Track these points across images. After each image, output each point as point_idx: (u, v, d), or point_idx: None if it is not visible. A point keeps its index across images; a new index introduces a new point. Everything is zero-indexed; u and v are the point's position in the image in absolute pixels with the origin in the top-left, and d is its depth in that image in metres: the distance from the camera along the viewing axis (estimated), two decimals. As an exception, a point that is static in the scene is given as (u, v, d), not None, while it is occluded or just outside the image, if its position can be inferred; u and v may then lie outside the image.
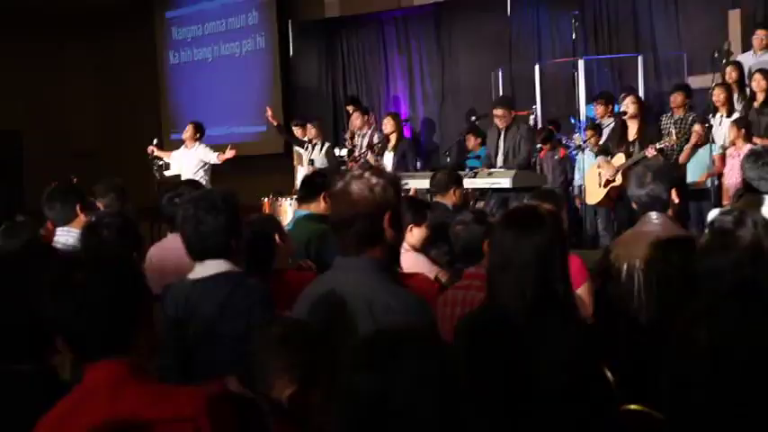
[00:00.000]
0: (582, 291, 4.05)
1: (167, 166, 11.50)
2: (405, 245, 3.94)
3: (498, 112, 8.96)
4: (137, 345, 2.09)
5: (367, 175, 2.65)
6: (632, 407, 3.01)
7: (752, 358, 2.41)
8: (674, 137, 8.36)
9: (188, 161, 11.06)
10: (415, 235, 4.49)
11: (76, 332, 2.04)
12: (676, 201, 3.80)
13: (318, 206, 5.06)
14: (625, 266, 3.64)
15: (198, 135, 11.15)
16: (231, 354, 2.70)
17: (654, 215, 3.76)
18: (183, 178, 10.87)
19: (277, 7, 15.22)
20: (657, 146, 8.19)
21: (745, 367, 2.41)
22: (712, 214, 5.19)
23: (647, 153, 8.19)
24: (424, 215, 4.59)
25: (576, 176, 10.23)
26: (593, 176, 8.83)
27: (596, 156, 8.95)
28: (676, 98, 9.44)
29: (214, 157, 10.96)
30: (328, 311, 2.60)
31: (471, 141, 11.24)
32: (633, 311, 3.56)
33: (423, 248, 4.59)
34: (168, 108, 17.04)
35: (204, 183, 10.75)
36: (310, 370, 2.48)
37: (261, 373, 2.50)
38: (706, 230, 2.85)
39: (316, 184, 5.21)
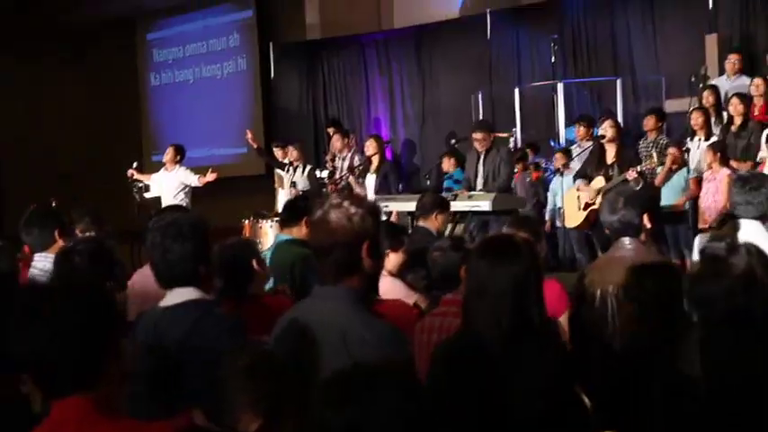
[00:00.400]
0: (564, 319, 4.06)
1: (147, 188, 11.48)
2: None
3: (478, 135, 9.00)
4: (107, 374, 2.07)
5: (346, 204, 2.67)
6: (607, 433, 3.02)
7: (744, 386, 2.42)
8: (655, 159, 8.42)
9: (168, 184, 11.05)
10: (391, 260, 4.50)
11: (46, 364, 2.02)
12: (648, 226, 3.82)
13: (300, 231, 5.07)
14: (599, 292, 3.66)
15: (178, 157, 11.15)
16: (199, 382, 2.70)
17: (627, 241, 3.79)
18: (163, 200, 10.89)
19: (258, 29, 15.30)
20: (639, 168, 8.24)
21: (737, 395, 2.42)
22: (699, 240, 5.23)
23: (627, 176, 8.24)
24: (401, 240, 4.61)
25: (550, 199, 10.30)
26: (573, 200, 8.87)
27: (574, 179, 9.01)
28: (648, 121, 9.52)
29: (195, 180, 10.95)
30: (301, 341, 2.60)
31: (446, 163, 11.23)
32: (607, 337, 3.57)
33: (400, 273, 4.60)
34: (149, 129, 17.06)
35: (184, 205, 10.74)
36: (277, 402, 2.46)
37: (227, 405, 2.49)
38: (693, 257, 2.83)
39: (298, 209, 5.22)
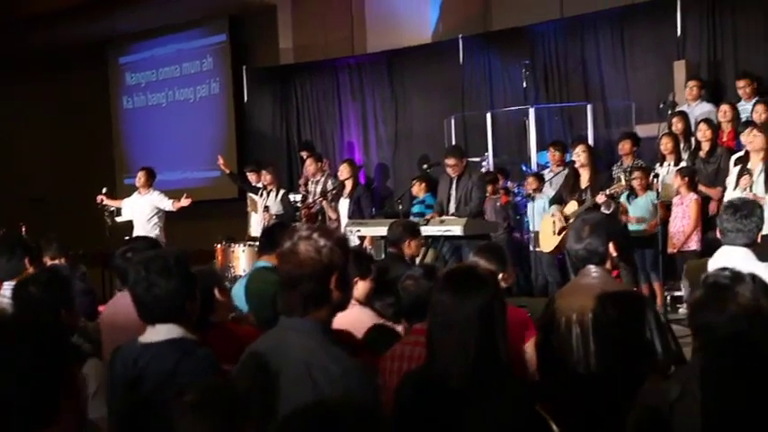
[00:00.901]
0: (530, 346, 4.07)
1: (119, 212, 11.42)
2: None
3: (450, 161, 9.02)
4: (64, 410, 2.02)
5: (315, 235, 2.66)
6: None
7: (745, 414, 2.43)
8: (623, 182, 8.51)
9: (142, 208, 10.99)
10: (359, 288, 4.49)
11: None
12: (614, 254, 3.84)
13: (278, 258, 5.04)
14: (564, 319, 3.68)
15: (151, 181, 11.10)
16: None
17: (592, 268, 3.80)
18: (136, 224, 10.85)
19: (232, 53, 15.32)
20: (608, 192, 8.31)
21: (739, 423, 2.43)
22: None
23: (597, 199, 8.30)
24: (368, 268, 4.61)
25: (530, 223, 10.34)
26: (548, 224, 8.92)
27: (550, 204, 9.07)
28: (624, 146, 9.67)
29: (169, 205, 10.90)
30: (262, 373, 2.58)
31: (416, 187, 11.18)
32: (573, 363, 3.59)
33: (368, 301, 4.60)
34: (122, 153, 17.00)
35: (158, 229, 10.72)
36: None
37: None
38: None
39: (275, 235, 5.21)
